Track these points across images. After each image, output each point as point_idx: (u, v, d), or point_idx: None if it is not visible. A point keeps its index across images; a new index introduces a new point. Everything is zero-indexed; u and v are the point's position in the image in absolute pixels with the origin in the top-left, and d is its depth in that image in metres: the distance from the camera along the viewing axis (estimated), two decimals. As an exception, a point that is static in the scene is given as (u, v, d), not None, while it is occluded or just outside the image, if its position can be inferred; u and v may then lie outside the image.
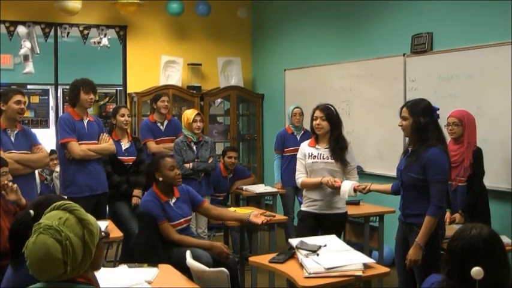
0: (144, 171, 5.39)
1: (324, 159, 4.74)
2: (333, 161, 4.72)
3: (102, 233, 2.21)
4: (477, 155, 4.87)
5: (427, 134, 3.93)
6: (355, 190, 4.52)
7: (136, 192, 6.00)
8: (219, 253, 4.64)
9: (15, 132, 5.06)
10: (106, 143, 5.65)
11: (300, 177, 4.83)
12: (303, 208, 4.91)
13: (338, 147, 4.72)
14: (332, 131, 4.75)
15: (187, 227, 4.98)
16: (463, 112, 4.94)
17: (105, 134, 5.69)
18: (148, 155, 6.60)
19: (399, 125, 4.11)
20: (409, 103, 4.10)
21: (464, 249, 2.29)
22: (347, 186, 4.53)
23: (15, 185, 4.14)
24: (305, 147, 4.87)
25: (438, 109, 4.04)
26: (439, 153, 3.89)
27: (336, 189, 4.61)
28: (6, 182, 4.12)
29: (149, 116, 7.27)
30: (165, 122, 7.00)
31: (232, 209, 5.73)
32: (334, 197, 4.73)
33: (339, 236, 4.48)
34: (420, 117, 3.95)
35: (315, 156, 4.77)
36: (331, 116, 4.76)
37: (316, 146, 4.80)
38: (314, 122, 4.77)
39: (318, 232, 4.62)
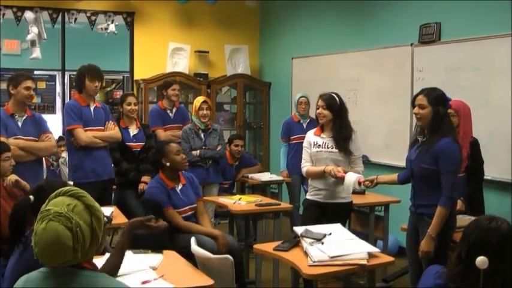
0: (151, 158, 5.40)
1: (328, 148, 4.72)
2: (336, 150, 4.69)
3: (105, 218, 2.22)
4: (474, 146, 4.83)
5: (442, 125, 3.90)
6: (359, 183, 4.45)
7: (145, 178, 5.97)
8: (220, 245, 4.65)
9: (24, 117, 5.06)
10: (112, 131, 5.64)
11: (305, 166, 4.82)
12: (308, 197, 4.90)
13: (341, 136, 4.69)
14: (335, 120, 4.73)
15: (192, 215, 4.99)
16: (459, 102, 4.84)
17: (110, 121, 5.68)
18: (157, 142, 6.60)
19: (415, 113, 4.02)
20: (425, 91, 4.00)
21: (478, 240, 2.29)
22: (351, 179, 4.45)
23: (14, 176, 4.17)
24: (310, 136, 4.86)
25: (450, 99, 4.01)
26: (451, 143, 3.85)
27: (339, 179, 4.57)
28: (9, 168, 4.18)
29: (158, 102, 7.26)
30: (174, 110, 7.00)
31: (237, 196, 5.76)
32: (338, 187, 4.70)
33: (344, 225, 4.47)
34: (440, 107, 3.90)
35: (319, 145, 4.76)
36: (332, 105, 4.71)
37: (321, 135, 4.79)
38: (316, 111, 4.78)
39: (322, 221, 4.60)
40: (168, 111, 6.98)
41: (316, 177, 4.78)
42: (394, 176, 4.45)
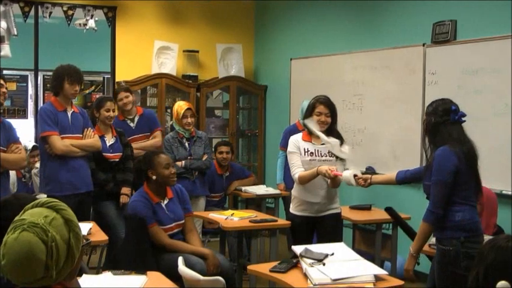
0: (135, 168, 5.42)
1: (321, 156, 4.92)
2: (332, 158, 4.87)
3: (84, 240, 2.22)
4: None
5: (438, 137, 3.91)
6: (355, 176, 4.60)
7: (125, 190, 5.97)
8: (210, 265, 4.67)
9: None
10: (91, 139, 5.64)
11: (297, 172, 4.92)
12: (295, 212, 5.05)
13: (338, 143, 4.87)
14: (331, 126, 4.93)
15: (179, 232, 5.02)
16: (484, 189, 4.91)
17: (90, 128, 5.69)
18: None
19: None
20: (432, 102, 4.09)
21: (496, 261, 2.33)
22: (347, 172, 4.63)
23: None
24: (299, 141, 4.99)
25: (464, 114, 3.96)
26: (443, 150, 3.84)
27: (332, 179, 4.73)
28: None
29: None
30: (136, 118, 6.72)
31: (229, 211, 5.78)
32: (328, 199, 4.93)
33: (340, 239, 4.67)
34: (432, 117, 3.95)
35: (311, 152, 4.93)
36: (335, 111, 4.96)
37: (312, 141, 4.95)
38: (317, 118, 4.90)
39: (313, 235, 4.90)
40: (129, 121, 6.70)
41: (309, 181, 4.87)
42: (391, 176, 4.54)
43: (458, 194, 3.83)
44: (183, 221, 5.05)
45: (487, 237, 3.64)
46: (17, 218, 2.09)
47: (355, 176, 4.59)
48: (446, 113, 3.93)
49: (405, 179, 4.44)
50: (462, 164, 3.82)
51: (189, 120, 6.37)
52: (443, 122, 3.91)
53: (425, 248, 4.12)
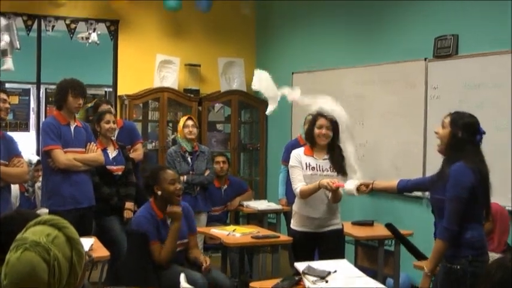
0: (143, 183, 5.40)
1: (323, 171, 4.89)
2: (333, 173, 4.86)
3: (87, 257, 2.18)
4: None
5: (461, 153, 3.82)
6: (357, 190, 4.57)
7: (129, 205, 5.95)
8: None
9: None
10: (94, 153, 5.61)
11: (299, 187, 4.88)
12: (296, 228, 5.02)
13: (340, 158, 4.87)
14: (332, 141, 4.90)
15: (181, 251, 4.96)
16: (497, 206, 4.85)
17: (92, 143, 5.65)
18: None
19: (435, 132, 4.04)
20: (455, 113, 3.97)
21: (503, 280, 2.29)
22: (351, 186, 4.60)
23: None
24: (301, 155, 4.96)
25: (484, 133, 3.91)
26: (459, 166, 3.76)
27: (334, 192, 4.72)
28: None
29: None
30: (116, 131, 6.54)
31: (231, 227, 5.75)
32: (329, 214, 4.90)
33: (342, 255, 4.66)
34: (459, 131, 3.85)
35: (313, 167, 4.90)
36: (336, 125, 4.90)
37: (314, 156, 4.92)
38: (318, 131, 4.88)
39: (314, 252, 4.85)
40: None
41: (310, 195, 4.84)
42: (393, 183, 4.50)
43: (470, 212, 3.77)
44: (186, 240, 4.99)
45: (491, 255, 3.61)
46: (19, 236, 2.07)
47: (357, 190, 4.57)
48: (474, 133, 3.86)
49: (406, 188, 4.42)
50: (477, 181, 3.77)
51: (190, 129, 6.35)
52: (468, 140, 3.84)
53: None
